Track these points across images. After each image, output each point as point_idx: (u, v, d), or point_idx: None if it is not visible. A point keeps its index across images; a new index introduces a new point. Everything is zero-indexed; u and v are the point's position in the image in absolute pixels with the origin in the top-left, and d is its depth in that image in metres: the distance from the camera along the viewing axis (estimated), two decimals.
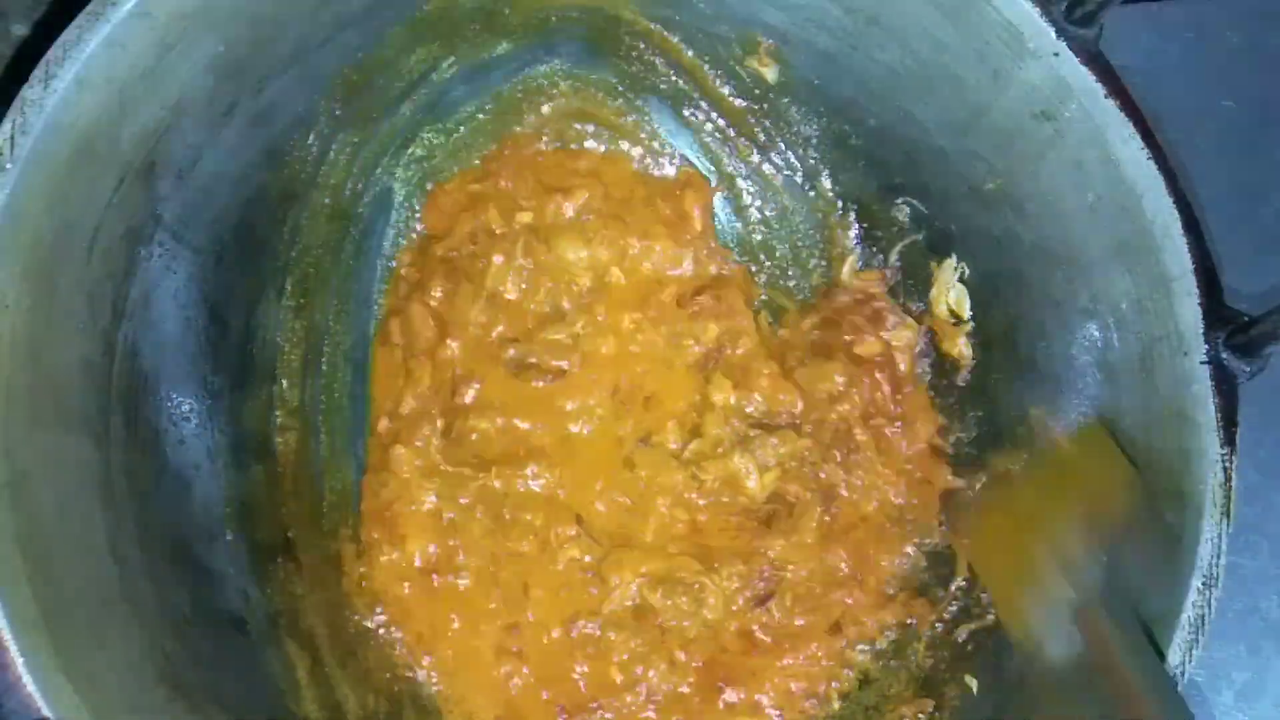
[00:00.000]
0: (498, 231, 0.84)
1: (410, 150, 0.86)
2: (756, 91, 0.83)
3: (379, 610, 0.79)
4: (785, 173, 0.87)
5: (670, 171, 0.89)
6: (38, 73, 0.58)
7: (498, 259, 0.82)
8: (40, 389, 0.59)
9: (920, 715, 0.74)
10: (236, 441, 0.76)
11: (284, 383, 0.81)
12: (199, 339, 0.73)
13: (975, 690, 0.72)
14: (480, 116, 0.87)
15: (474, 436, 0.81)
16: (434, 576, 0.79)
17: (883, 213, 0.83)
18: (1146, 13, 0.87)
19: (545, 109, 0.87)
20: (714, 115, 0.86)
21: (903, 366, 0.83)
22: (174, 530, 0.69)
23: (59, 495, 0.60)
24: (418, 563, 0.79)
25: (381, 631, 0.79)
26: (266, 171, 0.76)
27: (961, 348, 0.80)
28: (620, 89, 0.86)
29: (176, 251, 0.70)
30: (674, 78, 0.85)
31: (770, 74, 0.81)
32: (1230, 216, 0.76)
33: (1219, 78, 0.86)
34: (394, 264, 0.87)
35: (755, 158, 0.87)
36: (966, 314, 0.80)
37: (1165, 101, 0.81)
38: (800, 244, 0.89)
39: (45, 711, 0.53)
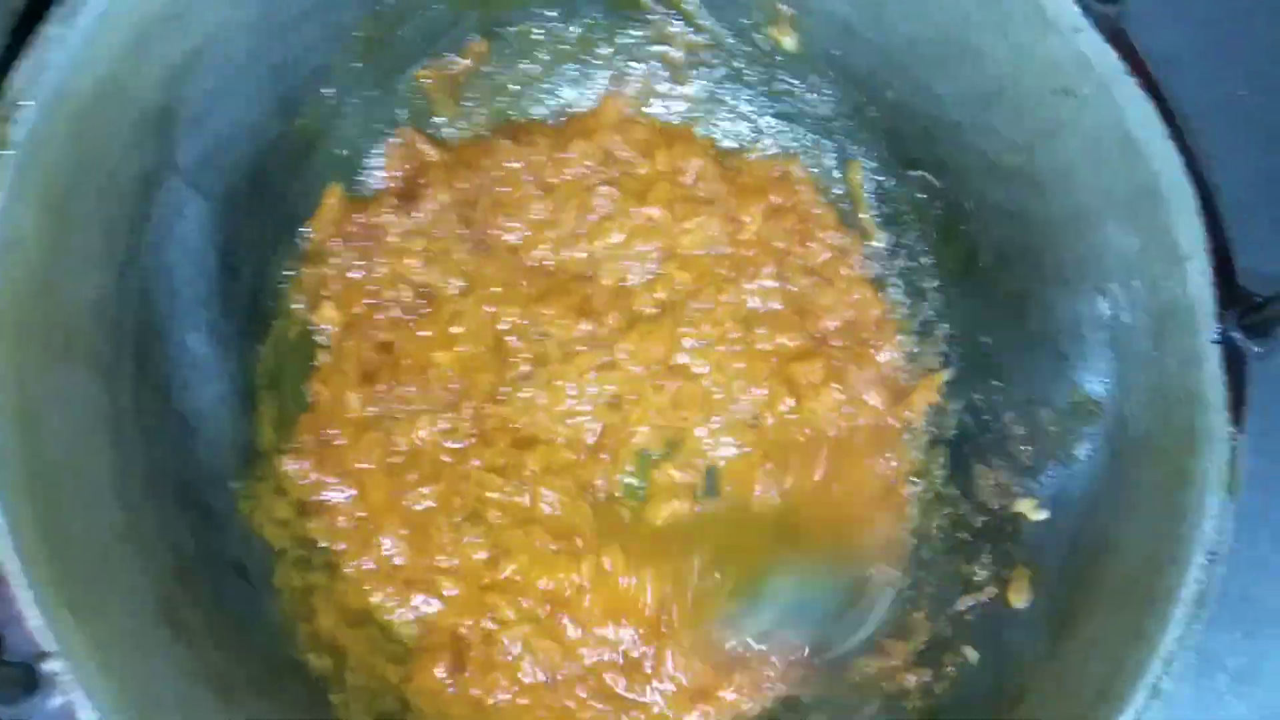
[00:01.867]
0: None
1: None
2: (776, 59, 0.83)
3: None
4: (801, 143, 0.87)
5: None
6: (63, 9, 0.58)
7: None
8: (54, 324, 0.59)
9: (918, 684, 0.74)
10: (244, 389, 0.77)
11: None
12: (210, 285, 0.73)
13: (974, 661, 0.72)
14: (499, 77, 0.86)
15: None
16: None
17: (897, 186, 0.83)
18: None
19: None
20: (727, 82, 0.86)
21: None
22: (179, 473, 0.69)
23: (68, 430, 0.60)
24: None
25: None
26: (283, 122, 0.76)
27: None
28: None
29: (190, 197, 0.70)
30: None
31: (789, 43, 0.81)
32: (1247, 199, 0.76)
33: (1239, 63, 0.86)
34: None
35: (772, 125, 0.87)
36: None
37: (1184, 86, 0.81)
38: None
39: (48, 647, 0.54)
